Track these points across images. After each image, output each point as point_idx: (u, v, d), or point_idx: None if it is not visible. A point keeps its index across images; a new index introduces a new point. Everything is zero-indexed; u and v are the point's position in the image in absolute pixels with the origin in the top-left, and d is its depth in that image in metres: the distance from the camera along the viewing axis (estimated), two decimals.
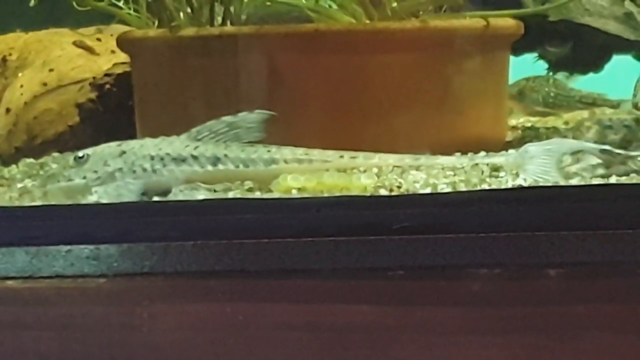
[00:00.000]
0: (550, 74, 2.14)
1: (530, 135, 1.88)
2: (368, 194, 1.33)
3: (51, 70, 1.97)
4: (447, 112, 1.61)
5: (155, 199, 1.38)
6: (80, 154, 1.45)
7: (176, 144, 1.43)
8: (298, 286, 1.17)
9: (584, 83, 2.16)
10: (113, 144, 1.45)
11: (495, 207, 1.17)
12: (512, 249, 1.15)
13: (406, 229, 1.16)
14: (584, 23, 1.87)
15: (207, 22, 1.64)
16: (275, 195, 1.35)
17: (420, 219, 1.16)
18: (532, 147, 1.38)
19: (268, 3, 1.66)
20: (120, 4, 1.72)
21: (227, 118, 1.44)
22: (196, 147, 1.42)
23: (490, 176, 1.40)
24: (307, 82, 1.56)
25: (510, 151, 1.45)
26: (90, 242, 1.20)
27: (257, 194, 1.37)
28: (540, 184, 1.33)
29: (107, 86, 1.87)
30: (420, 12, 1.65)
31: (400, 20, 1.61)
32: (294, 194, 1.35)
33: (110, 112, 1.85)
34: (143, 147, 1.43)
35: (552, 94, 2.15)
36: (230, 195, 1.36)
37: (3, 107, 1.98)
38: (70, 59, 1.99)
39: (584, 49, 2.02)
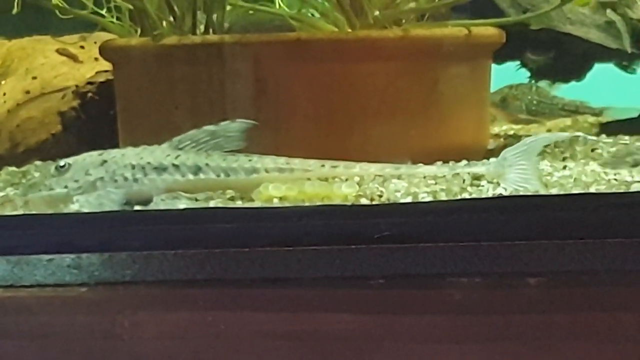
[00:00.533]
0: (533, 82, 2.15)
1: (513, 143, 1.88)
2: (349, 203, 1.33)
3: (34, 78, 1.97)
4: (429, 120, 1.61)
5: (137, 208, 1.38)
6: (61, 163, 1.44)
7: (157, 153, 1.42)
8: (279, 295, 1.17)
9: (566, 91, 2.16)
10: (94, 153, 1.45)
11: (475, 216, 1.17)
12: (492, 257, 1.15)
13: (387, 238, 1.16)
14: (565, 31, 1.88)
15: (190, 30, 1.64)
16: (257, 204, 1.35)
17: (401, 228, 1.16)
18: (509, 153, 1.38)
19: (251, 12, 1.66)
20: (103, 12, 1.71)
21: (209, 127, 1.44)
22: (177, 156, 1.42)
23: (471, 185, 1.41)
24: (289, 91, 1.56)
25: (492, 160, 1.45)
26: (72, 251, 1.20)
27: (239, 203, 1.37)
28: (521, 193, 1.34)
29: (90, 94, 1.87)
30: (403, 21, 1.66)
31: (382, 29, 1.61)
32: (276, 203, 1.35)
33: (92, 121, 1.85)
34: (124, 156, 1.43)
35: (534, 102, 2.15)
36: (212, 204, 1.36)
37: None
38: (54, 67, 1.98)
39: (566, 57, 2.02)
